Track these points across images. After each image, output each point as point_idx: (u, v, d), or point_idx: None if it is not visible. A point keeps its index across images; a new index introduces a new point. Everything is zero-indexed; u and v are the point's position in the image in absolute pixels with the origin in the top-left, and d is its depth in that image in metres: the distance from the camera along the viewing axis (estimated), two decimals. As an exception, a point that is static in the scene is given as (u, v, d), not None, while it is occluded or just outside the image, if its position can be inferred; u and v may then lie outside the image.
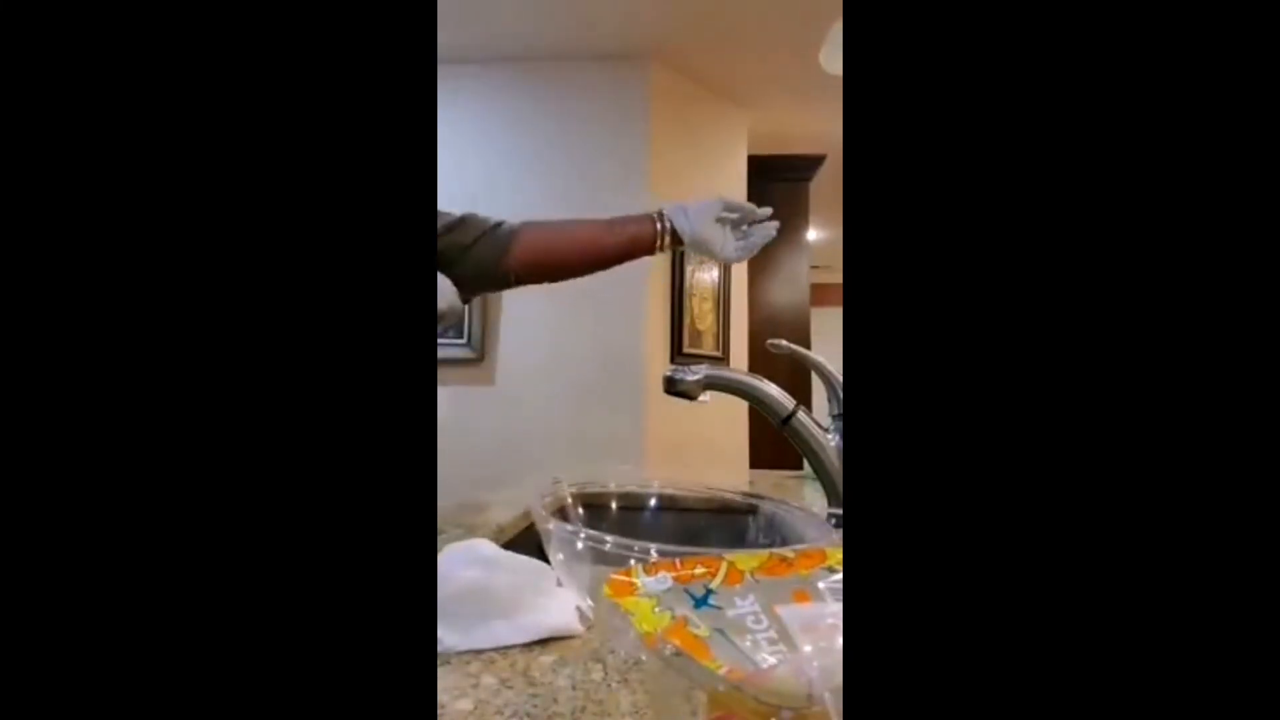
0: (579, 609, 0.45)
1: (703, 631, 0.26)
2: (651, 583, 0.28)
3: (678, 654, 0.25)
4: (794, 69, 2.61)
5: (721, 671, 0.24)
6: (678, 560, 0.29)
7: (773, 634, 0.26)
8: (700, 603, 0.27)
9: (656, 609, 0.27)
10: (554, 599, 0.45)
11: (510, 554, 0.50)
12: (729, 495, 0.54)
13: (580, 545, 0.32)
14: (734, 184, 2.96)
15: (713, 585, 0.28)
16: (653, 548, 0.30)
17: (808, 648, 0.25)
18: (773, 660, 0.24)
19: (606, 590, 0.28)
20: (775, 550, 0.31)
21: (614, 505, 0.54)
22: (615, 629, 0.28)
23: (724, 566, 0.29)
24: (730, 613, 0.27)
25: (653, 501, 0.54)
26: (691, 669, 0.24)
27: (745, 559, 0.30)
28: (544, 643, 0.40)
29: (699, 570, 0.29)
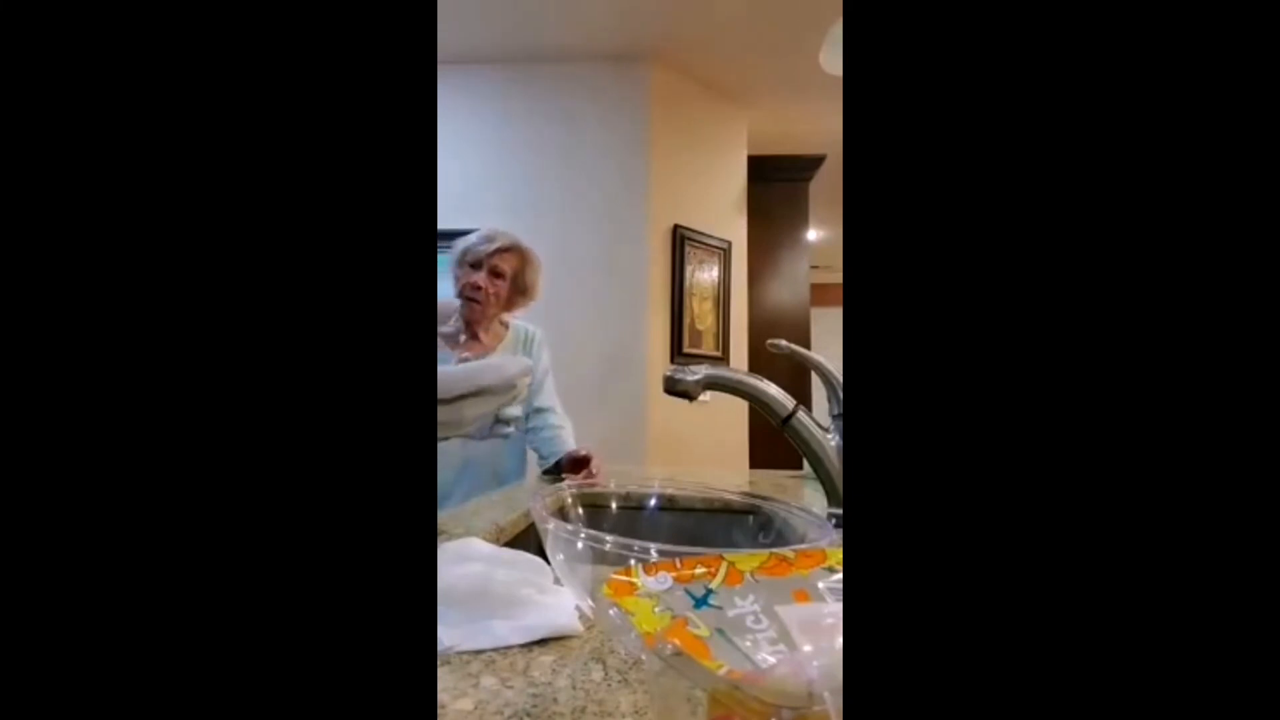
0: (579, 608, 0.45)
1: (703, 631, 0.26)
2: (651, 583, 0.28)
3: (678, 654, 0.25)
4: (794, 69, 2.62)
5: (721, 672, 0.24)
6: (678, 560, 0.29)
7: (773, 634, 0.26)
8: (700, 603, 0.27)
9: (656, 609, 0.27)
10: (554, 598, 0.45)
11: (509, 550, 0.50)
12: (729, 495, 0.54)
13: (580, 545, 0.32)
14: (734, 184, 2.96)
15: (713, 585, 0.28)
16: (653, 547, 0.30)
17: (807, 647, 0.25)
18: (773, 660, 0.24)
19: (606, 590, 0.28)
20: (775, 550, 0.31)
21: (614, 505, 0.54)
22: (615, 629, 0.28)
23: (724, 566, 0.29)
24: (730, 613, 0.27)
25: (653, 501, 0.54)
26: (691, 669, 0.24)
27: (745, 559, 0.30)
28: (544, 643, 0.40)
29: (699, 570, 0.29)
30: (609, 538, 0.31)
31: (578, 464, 1.38)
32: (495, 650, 0.39)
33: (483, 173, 2.63)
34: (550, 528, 0.33)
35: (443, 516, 0.88)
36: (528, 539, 0.91)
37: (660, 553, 0.30)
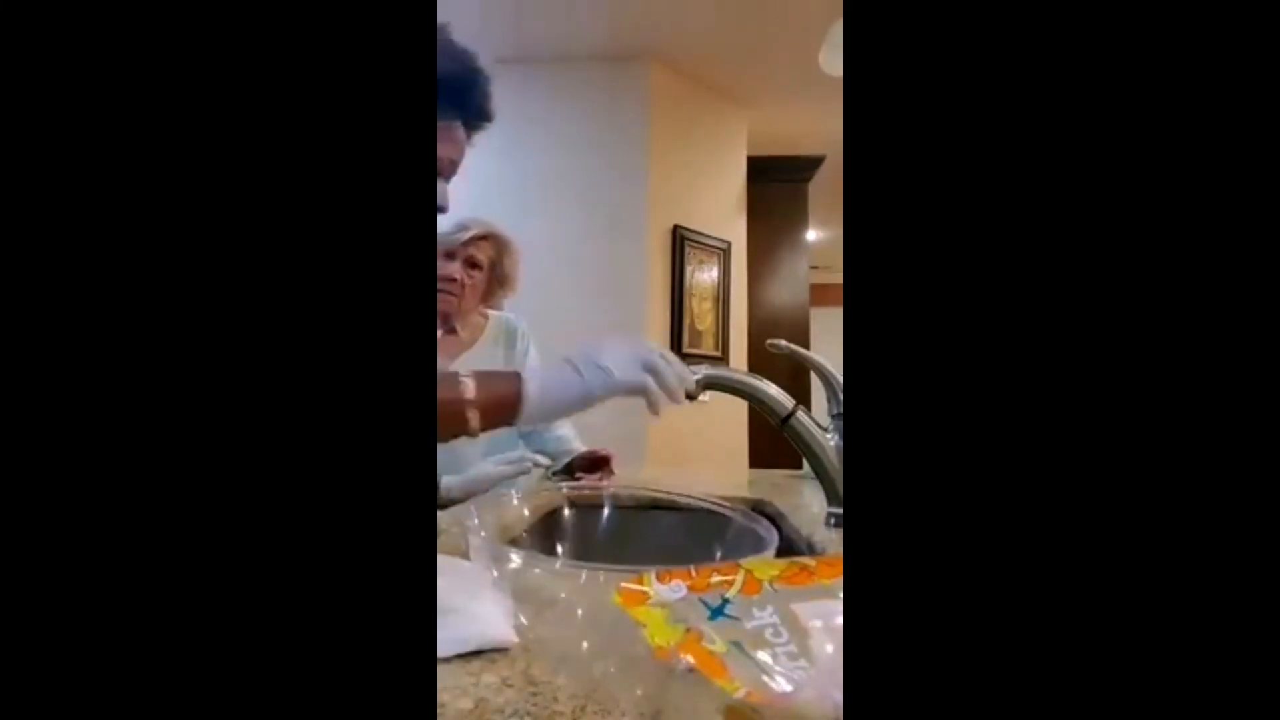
0: (515, 616, 0.43)
1: (719, 647, 0.24)
2: (665, 591, 0.27)
3: (691, 671, 0.23)
4: (794, 69, 2.61)
5: (739, 694, 0.22)
6: (692, 568, 0.28)
7: (793, 648, 0.24)
8: (716, 613, 0.26)
9: (670, 620, 0.25)
10: (488, 606, 0.43)
11: (443, 557, 0.49)
12: (722, 500, 0.54)
13: (496, 573, 0.31)
14: (734, 184, 2.96)
15: (729, 595, 0.27)
16: (557, 563, 0.29)
17: (829, 647, 0.24)
18: (795, 678, 0.23)
19: (616, 599, 0.27)
20: (795, 559, 0.29)
21: (608, 507, 0.54)
22: (622, 640, 0.26)
23: (741, 575, 0.28)
24: (748, 624, 0.25)
25: (647, 504, 0.55)
26: (708, 691, 0.23)
27: (764, 567, 0.28)
28: (545, 641, 0.40)
29: (715, 579, 0.28)
30: (516, 555, 0.31)
31: (597, 463, 1.27)
32: (495, 650, 0.39)
33: (481, 172, 2.63)
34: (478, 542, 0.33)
35: (443, 516, 0.88)
36: (531, 536, 0.91)
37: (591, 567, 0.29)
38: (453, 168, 0.77)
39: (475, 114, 0.74)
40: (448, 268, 1.30)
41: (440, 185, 0.74)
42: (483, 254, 1.34)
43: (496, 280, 1.38)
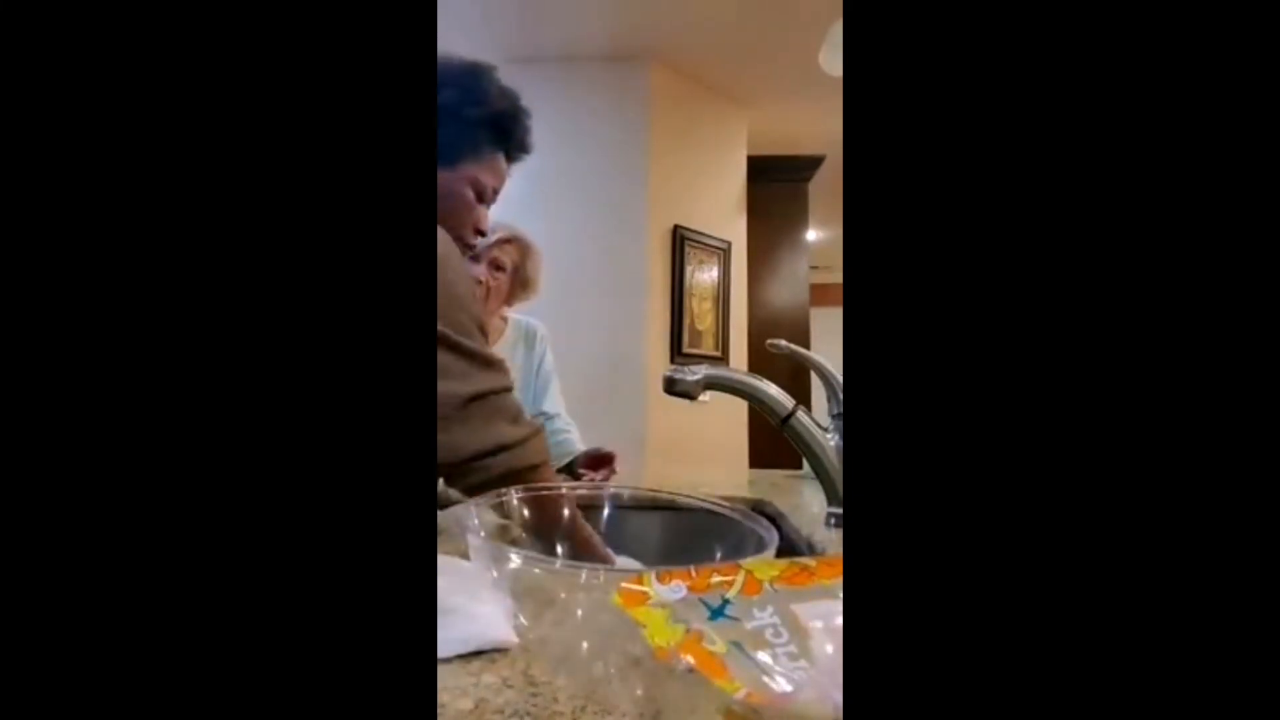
0: (515, 616, 0.43)
1: (719, 648, 0.24)
2: (665, 591, 0.27)
3: (691, 671, 0.24)
4: (794, 69, 2.62)
5: (739, 694, 0.23)
6: (693, 568, 0.28)
7: (793, 649, 0.25)
8: (716, 613, 0.26)
9: (670, 620, 0.26)
10: (488, 607, 0.44)
11: (442, 557, 0.49)
12: (721, 500, 0.54)
13: (497, 572, 0.31)
14: (734, 184, 2.96)
15: (730, 595, 0.27)
16: (558, 562, 0.29)
17: (829, 648, 0.24)
18: (795, 679, 0.23)
19: (616, 599, 0.27)
20: (795, 559, 0.30)
21: (608, 507, 0.54)
22: (622, 640, 0.26)
23: (741, 575, 0.28)
24: (748, 624, 0.26)
25: (647, 504, 0.55)
26: (708, 691, 0.23)
27: (764, 567, 0.29)
28: (545, 640, 0.40)
29: (715, 579, 0.28)
30: (515, 554, 0.31)
31: (599, 461, 1.30)
32: (495, 650, 0.39)
33: (482, 172, 2.62)
34: (477, 544, 0.33)
35: (443, 516, 0.88)
36: (531, 536, 0.90)
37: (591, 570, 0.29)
38: (494, 195, 0.83)
39: (517, 147, 0.83)
40: (473, 270, 1.32)
41: (481, 210, 0.81)
42: (507, 257, 1.36)
43: (519, 283, 1.40)
